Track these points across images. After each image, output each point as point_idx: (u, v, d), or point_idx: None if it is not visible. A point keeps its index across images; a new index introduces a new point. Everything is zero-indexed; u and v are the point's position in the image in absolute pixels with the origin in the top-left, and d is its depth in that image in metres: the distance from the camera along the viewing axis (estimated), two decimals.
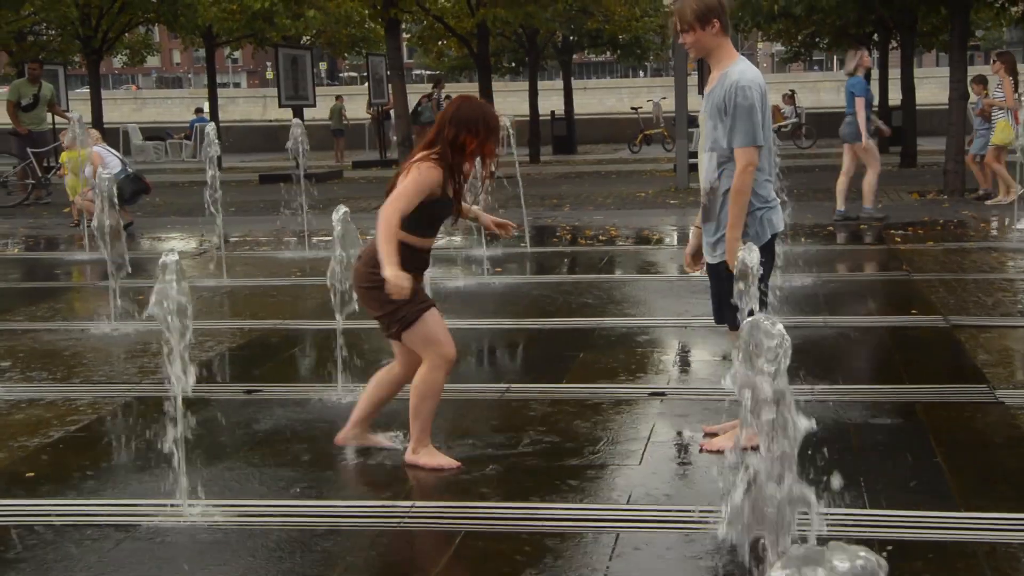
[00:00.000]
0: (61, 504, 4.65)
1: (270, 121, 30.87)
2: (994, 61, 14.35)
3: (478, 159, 5.13)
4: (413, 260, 4.80)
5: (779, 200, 5.13)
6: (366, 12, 18.41)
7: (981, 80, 15.00)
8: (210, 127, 11.19)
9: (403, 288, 4.53)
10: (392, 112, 25.53)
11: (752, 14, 19.90)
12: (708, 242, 5.14)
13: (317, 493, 4.76)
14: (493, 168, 5.19)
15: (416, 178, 4.74)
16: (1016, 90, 14.08)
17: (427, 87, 33.13)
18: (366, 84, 28.39)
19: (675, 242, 12.61)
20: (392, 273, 4.52)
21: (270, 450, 5.33)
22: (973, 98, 15.28)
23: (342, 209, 6.16)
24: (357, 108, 30.50)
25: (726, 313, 5.00)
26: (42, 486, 4.90)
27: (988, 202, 14.29)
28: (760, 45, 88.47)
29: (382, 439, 5.29)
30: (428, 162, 4.78)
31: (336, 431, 5.74)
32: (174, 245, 13.36)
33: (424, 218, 4.83)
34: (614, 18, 24.65)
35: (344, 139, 27.83)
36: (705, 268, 5.32)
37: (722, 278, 5.00)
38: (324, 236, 12.74)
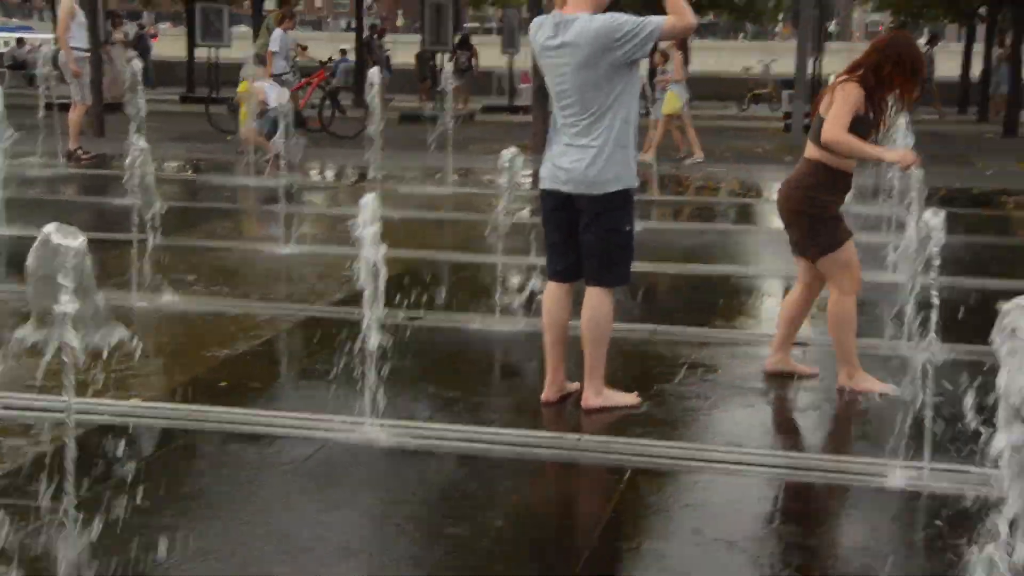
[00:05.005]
0: (253, 413, 4.57)
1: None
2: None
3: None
4: (836, 183, 4.86)
5: (562, 156, 4.52)
6: None
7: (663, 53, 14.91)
8: (374, 72, 11.05)
9: (912, 155, 4.77)
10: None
11: None
12: None
13: (485, 419, 4.60)
14: (899, 109, 4.99)
15: (844, 97, 4.72)
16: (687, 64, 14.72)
17: None
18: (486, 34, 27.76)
19: None
20: (894, 154, 4.85)
21: (436, 376, 5.20)
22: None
23: (511, 151, 5.95)
24: (483, 56, 30.02)
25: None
26: (235, 395, 4.83)
27: (687, 162, 14.26)
28: (856, 13, 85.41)
29: (804, 367, 5.22)
30: (851, 83, 4.75)
31: (496, 360, 5.61)
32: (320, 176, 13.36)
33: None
34: None
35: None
36: None
37: None
38: (466, 174, 12.60)
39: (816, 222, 4.87)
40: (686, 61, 15.05)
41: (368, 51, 25.66)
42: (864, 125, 4.77)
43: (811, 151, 4.88)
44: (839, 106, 4.70)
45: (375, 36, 26.92)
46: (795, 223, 4.96)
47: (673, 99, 14.17)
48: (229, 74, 19.70)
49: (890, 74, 4.74)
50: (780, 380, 5.17)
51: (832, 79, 5.16)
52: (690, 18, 4.38)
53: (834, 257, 4.87)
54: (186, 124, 18.29)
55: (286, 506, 3.68)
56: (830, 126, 4.68)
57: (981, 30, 26.45)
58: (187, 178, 12.83)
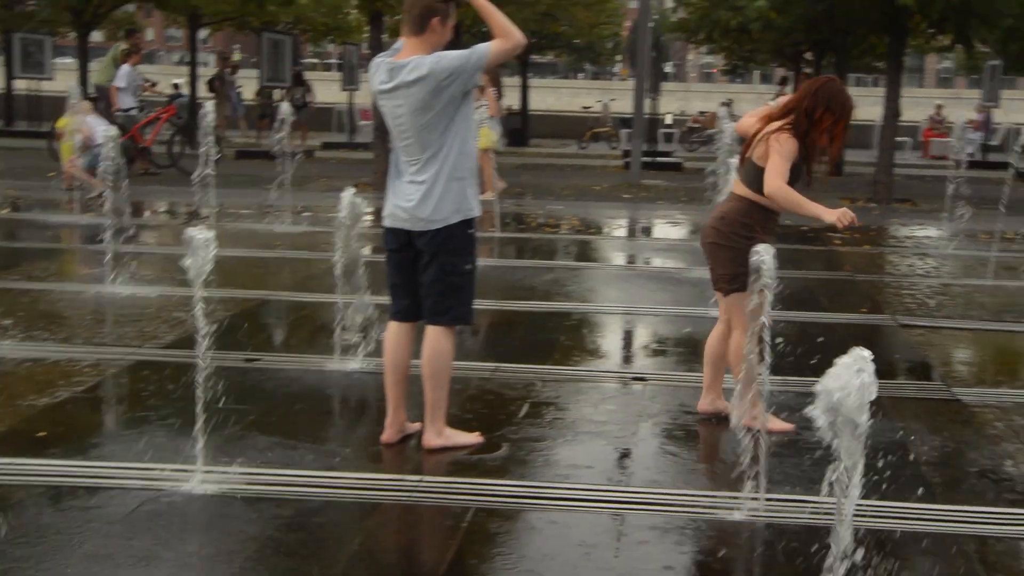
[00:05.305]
0: (74, 464, 4.33)
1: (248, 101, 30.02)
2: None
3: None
4: (767, 222, 4.92)
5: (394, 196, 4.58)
6: (354, 2, 17.96)
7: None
8: (208, 107, 10.77)
9: (850, 214, 4.59)
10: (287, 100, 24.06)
11: (709, 28, 19.80)
12: None
13: (324, 463, 4.49)
14: (825, 158, 5.01)
15: (779, 149, 4.78)
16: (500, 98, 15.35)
17: None
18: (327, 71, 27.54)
19: (627, 234, 12.45)
20: (832, 214, 4.59)
21: (274, 419, 5.05)
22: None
23: (350, 191, 5.87)
24: (323, 93, 29.83)
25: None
26: (54, 447, 4.57)
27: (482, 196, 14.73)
28: (691, 56, 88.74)
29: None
30: (784, 134, 4.82)
31: (336, 401, 5.50)
32: (161, 214, 12.97)
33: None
34: (577, 24, 24.33)
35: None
36: None
37: None
38: (304, 212, 12.41)
39: (742, 257, 4.79)
40: (499, 97, 15.38)
41: (220, 84, 25.05)
42: (796, 172, 4.87)
43: (742, 189, 4.97)
44: (777, 159, 4.78)
45: (227, 70, 26.27)
46: (722, 256, 4.98)
47: (487, 134, 14.34)
48: (51, 107, 18.96)
49: (821, 116, 4.84)
50: (623, 416, 5.24)
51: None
52: (517, 37, 4.43)
53: (742, 297, 4.81)
54: (3, 159, 17.48)
55: (108, 562, 3.49)
56: (771, 178, 4.75)
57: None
58: (3, 216, 12.23)
